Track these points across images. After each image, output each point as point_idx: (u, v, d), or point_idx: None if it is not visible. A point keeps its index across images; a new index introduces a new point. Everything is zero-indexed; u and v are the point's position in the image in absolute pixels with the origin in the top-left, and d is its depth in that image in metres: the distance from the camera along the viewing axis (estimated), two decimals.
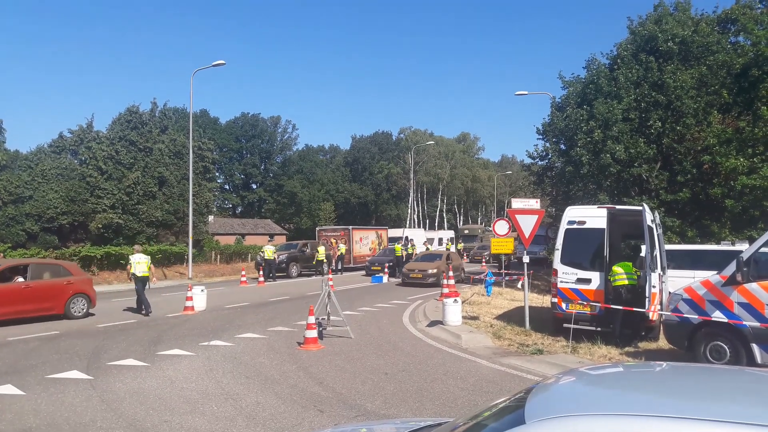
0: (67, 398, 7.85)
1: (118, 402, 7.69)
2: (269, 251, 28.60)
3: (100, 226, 34.41)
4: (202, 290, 17.78)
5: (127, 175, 36.19)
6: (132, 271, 16.42)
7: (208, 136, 59.34)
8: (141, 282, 16.37)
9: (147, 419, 6.98)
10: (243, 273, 27.38)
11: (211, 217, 51.18)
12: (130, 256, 17.13)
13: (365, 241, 38.59)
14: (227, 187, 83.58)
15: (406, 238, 40.20)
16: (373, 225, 61.93)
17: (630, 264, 11.91)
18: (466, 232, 57.69)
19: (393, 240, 41.61)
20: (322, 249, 32.29)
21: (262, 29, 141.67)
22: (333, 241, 35.17)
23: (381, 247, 39.44)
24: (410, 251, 33.57)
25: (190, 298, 17.06)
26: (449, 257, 26.40)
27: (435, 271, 24.52)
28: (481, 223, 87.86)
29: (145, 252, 18.23)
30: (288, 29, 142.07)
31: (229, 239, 54.17)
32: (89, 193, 35.30)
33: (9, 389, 8.26)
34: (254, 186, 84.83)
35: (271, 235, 62.02)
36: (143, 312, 16.28)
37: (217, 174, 70.04)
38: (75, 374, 9.14)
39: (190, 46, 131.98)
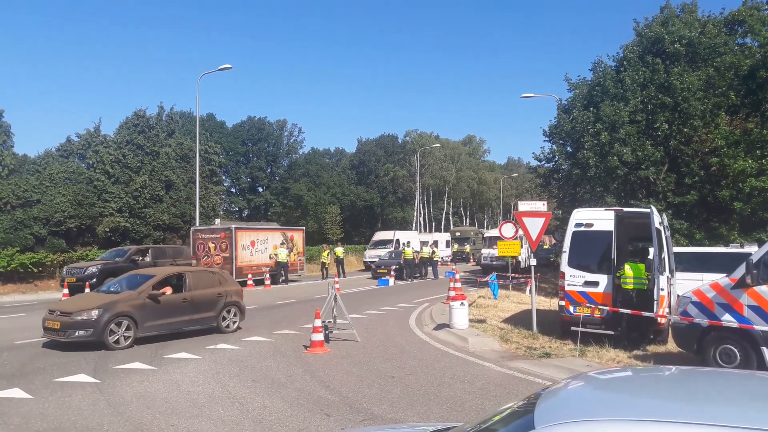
0: (74, 402, 7.86)
1: (124, 406, 7.70)
2: (282, 254, 28.71)
3: (107, 229, 34.55)
4: None
5: (134, 178, 36.35)
6: None
7: (215, 140, 59.57)
8: None
9: (154, 423, 6.99)
10: (249, 276, 27.43)
11: (217, 221, 51.24)
12: None
13: (261, 246, 28.92)
14: (234, 190, 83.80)
15: (398, 240, 39.64)
16: (379, 228, 61.09)
17: (642, 267, 11.82)
18: (458, 234, 55.22)
19: (381, 243, 39.93)
20: (326, 253, 31.93)
21: (268, 33, 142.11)
22: (211, 245, 27.28)
23: (294, 255, 31.07)
24: (427, 255, 32.21)
25: None
26: (178, 280, 13.38)
27: (94, 315, 11.49)
28: (487, 226, 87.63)
29: None
30: (294, 33, 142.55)
31: None
32: (96, 197, 35.47)
33: (16, 393, 8.28)
34: (260, 189, 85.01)
35: None
36: None
37: (223, 177, 70.33)
38: (82, 378, 9.15)
39: (197, 50, 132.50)
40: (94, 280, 21.17)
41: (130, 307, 12.05)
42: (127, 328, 11.88)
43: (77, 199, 34.34)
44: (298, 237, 32.03)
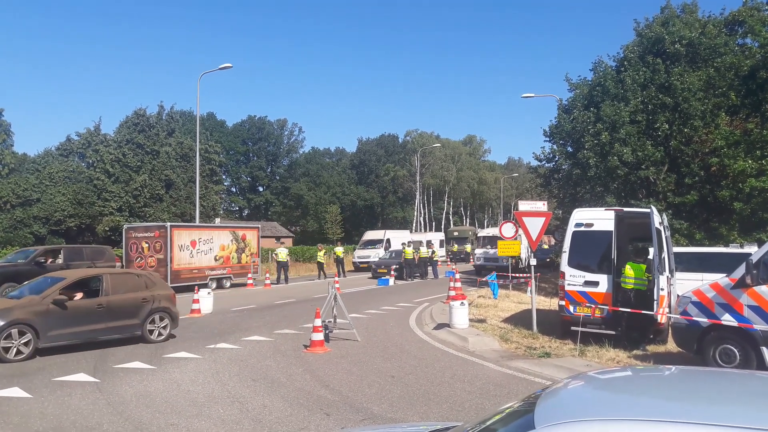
0: (73, 401, 7.86)
1: (124, 405, 7.70)
2: (282, 254, 28.72)
3: (107, 228, 34.60)
4: (209, 293, 17.81)
5: (134, 178, 36.40)
6: None
7: (215, 139, 59.66)
8: None
9: (153, 422, 6.98)
10: (249, 276, 27.46)
11: (217, 220, 51.34)
12: None
13: (205, 247, 25.39)
14: (234, 189, 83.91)
15: (388, 240, 39.29)
16: (379, 227, 60.72)
17: (644, 267, 11.82)
18: (456, 234, 53.52)
19: (371, 243, 39.14)
20: (321, 253, 31.81)
21: (268, 33, 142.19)
22: (145, 245, 23.97)
23: (247, 256, 27.55)
24: (425, 254, 31.88)
25: (197, 301, 17.08)
26: (94, 284, 12.05)
27: None
28: (487, 226, 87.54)
29: None
30: (293, 33, 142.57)
31: None
32: (96, 196, 35.52)
33: (16, 392, 8.27)
34: (261, 189, 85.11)
35: (278, 238, 62.19)
36: None
37: (223, 177, 70.41)
38: (82, 377, 9.15)
39: (197, 50, 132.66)
40: None
41: (30, 314, 10.53)
42: (26, 337, 10.38)
43: (77, 198, 34.38)
44: (251, 236, 28.25)
